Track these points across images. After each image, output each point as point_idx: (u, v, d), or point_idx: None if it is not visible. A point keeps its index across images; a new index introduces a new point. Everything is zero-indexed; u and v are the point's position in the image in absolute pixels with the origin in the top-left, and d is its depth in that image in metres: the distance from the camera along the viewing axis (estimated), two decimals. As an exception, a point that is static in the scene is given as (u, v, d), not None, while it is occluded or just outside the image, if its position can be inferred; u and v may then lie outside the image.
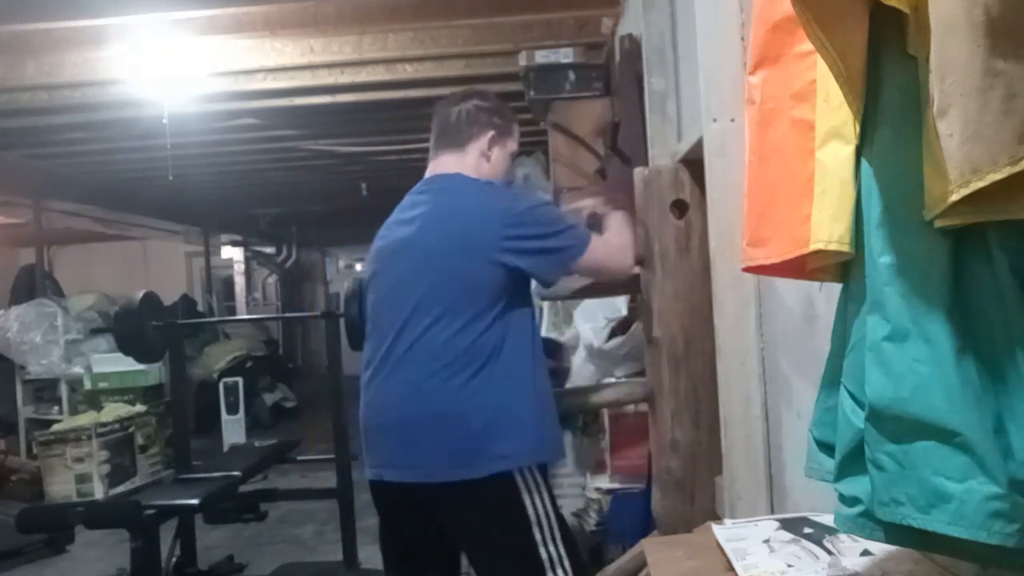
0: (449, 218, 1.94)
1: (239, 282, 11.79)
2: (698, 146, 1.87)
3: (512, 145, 2.12)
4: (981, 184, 0.64)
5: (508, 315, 1.91)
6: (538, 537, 1.86)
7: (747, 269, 1.09)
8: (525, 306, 1.98)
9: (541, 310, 4.45)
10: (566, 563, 1.87)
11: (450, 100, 2.11)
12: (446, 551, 2.03)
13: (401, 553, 2.05)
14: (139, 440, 5.98)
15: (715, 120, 1.71)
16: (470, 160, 2.04)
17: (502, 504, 1.85)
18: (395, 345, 1.91)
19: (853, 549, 1.11)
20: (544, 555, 1.85)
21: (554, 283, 2.06)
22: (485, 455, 1.84)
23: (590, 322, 3.16)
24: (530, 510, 1.86)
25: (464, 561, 2.08)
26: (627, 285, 2.33)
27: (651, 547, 1.50)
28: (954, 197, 0.67)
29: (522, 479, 1.86)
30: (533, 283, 2.01)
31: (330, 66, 4.24)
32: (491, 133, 2.06)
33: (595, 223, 2.19)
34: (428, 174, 2.08)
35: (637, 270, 2.17)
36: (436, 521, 1.94)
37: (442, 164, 2.06)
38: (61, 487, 5.46)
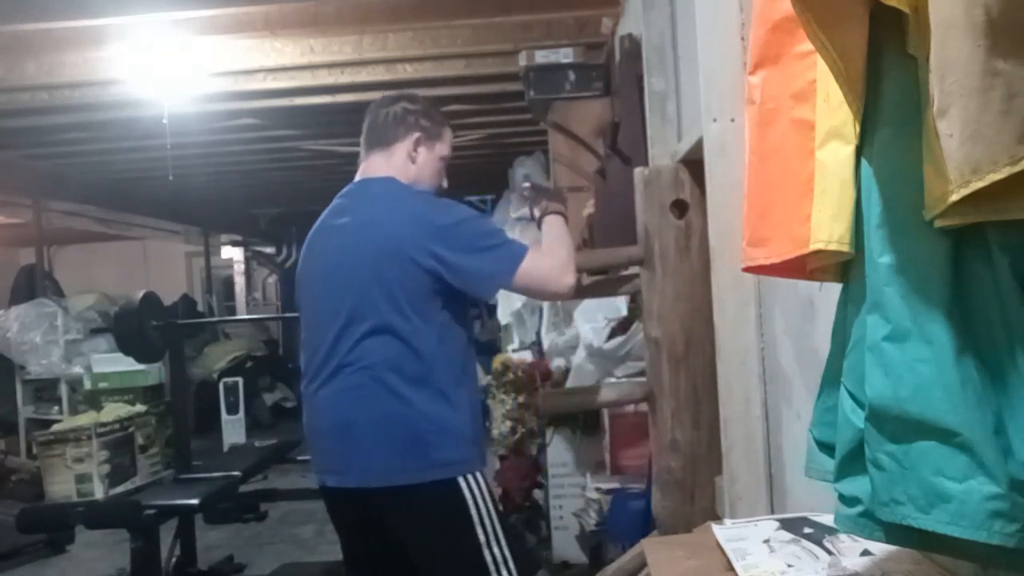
0: (378, 226, 1.92)
1: (239, 282, 11.78)
2: (698, 146, 1.87)
3: (441, 149, 2.09)
4: (981, 184, 0.64)
5: (444, 326, 1.91)
6: (482, 539, 1.87)
7: (747, 269, 1.09)
8: (461, 317, 1.96)
9: (541, 310, 4.46)
10: (511, 564, 1.89)
11: (381, 102, 2.11)
12: (401, 552, 2.04)
13: (357, 555, 2.07)
14: (139, 440, 5.98)
15: (715, 120, 1.71)
16: (397, 160, 2.03)
17: (445, 508, 1.87)
18: (333, 353, 1.92)
19: (853, 549, 1.11)
20: (488, 557, 1.87)
21: (488, 299, 2.05)
22: (423, 462, 1.85)
23: (590, 322, 3.16)
24: (473, 512, 1.87)
25: None
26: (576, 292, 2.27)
27: (651, 547, 1.50)
28: (954, 197, 0.67)
29: (466, 484, 1.88)
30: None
31: (330, 66, 4.24)
32: (417, 135, 2.04)
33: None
34: (358, 176, 2.08)
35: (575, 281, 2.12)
36: (384, 524, 1.95)
37: (371, 166, 2.05)
38: (61, 487, 5.46)
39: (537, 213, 2.15)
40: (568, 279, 1.94)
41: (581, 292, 2.54)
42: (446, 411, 1.89)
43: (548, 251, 2.00)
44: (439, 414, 1.88)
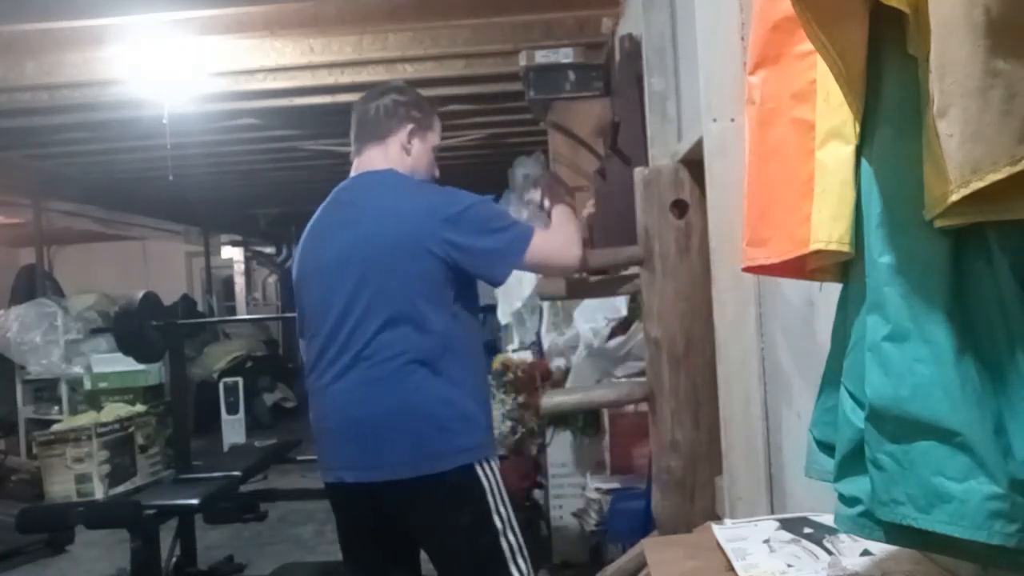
0: (388, 219, 1.94)
1: (239, 282, 11.79)
2: (698, 146, 1.87)
3: (433, 138, 2.12)
4: (981, 184, 0.64)
5: (458, 314, 1.93)
6: (499, 527, 1.88)
7: (747, 269, 1.09)
8: (472, 305, 2.00)
9: (541, 310, 4.45)
10: (525, 552, 1.91)
11: (368, 96, 2.12)
12: (407, 549, 2.05)
13: (361, 554, 2.05)
14: (139, 440, 5.98)
15: (715, 120, 1.71)
16: (392, 153, 2.05)
17: (465, 496, 1.88)
18: (346, 347, 1.91)
19: (853, 549, 1.11)
20: (505, 545, 1.88)
21: (502, 282, 2.06)
22: (447, 450, 1.87)
23: (590, 322, 3.16)
24: (490, 499, 1.89)
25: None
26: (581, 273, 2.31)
27: (651, 547, 1.50)
28: (954, 197, 0.67)
29: (482, 471, 1.89)
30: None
31: (330, 66, 4.24)
32: (410, 126, 2.06)
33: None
34: (355, 171, 2.09)
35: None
36: (397, 519, 1.95)
37: (368, 160, 2.07)
38: (61, 487, 5.45)
39: (547, 203, 2.17)
40: (575, 251, 2.02)
41: (581, 292, 2.55)
42: (464, 397, 1.90)
43: (555, 228, 2.07)
44: (458, 400, 1.89)
